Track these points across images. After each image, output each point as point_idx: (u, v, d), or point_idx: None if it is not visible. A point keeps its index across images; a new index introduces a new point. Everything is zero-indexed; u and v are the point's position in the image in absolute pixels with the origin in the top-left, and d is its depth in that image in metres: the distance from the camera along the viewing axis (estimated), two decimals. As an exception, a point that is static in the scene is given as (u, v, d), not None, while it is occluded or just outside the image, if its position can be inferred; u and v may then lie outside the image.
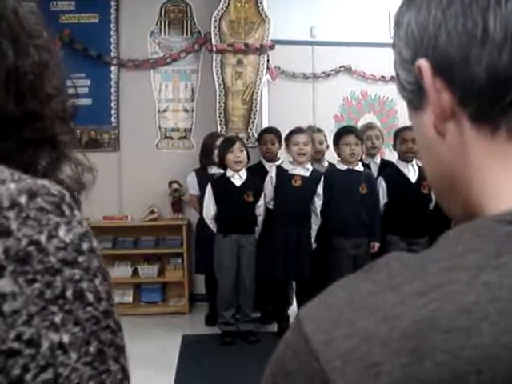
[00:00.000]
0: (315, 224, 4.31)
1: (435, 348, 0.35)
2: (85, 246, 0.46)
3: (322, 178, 4.30)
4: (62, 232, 0.44)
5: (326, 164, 4.76)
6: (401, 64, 0.51)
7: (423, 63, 0.47)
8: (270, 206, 4.40)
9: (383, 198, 4.37)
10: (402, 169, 4.36)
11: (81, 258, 0.45)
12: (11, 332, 0.40)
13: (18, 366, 0.40)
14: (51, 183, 0.47)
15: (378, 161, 4.81)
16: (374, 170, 4.69)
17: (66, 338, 0.42)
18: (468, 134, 0.46)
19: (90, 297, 0.45)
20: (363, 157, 4.95)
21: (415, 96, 0.49)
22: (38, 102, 0.57)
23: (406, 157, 4.34)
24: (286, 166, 4.42)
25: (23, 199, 0.43)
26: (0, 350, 0.39)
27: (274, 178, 4.35)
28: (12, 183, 0.44)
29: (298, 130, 4.34)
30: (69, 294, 0.43)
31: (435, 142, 0.48)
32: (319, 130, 4.80)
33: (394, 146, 4.53)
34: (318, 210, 4.31)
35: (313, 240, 4.31)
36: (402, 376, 0.35)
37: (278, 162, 4.63)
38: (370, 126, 4.95)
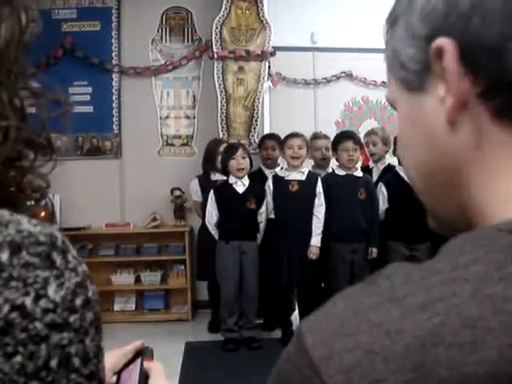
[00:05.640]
0: (317, 228, 4.24)
1: (439, 364, 0.34)
2: (78, 301, 0.41)
3: (321, 183, 4.28)
4: (51, 289, 0.39)
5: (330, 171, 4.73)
6: (409, 40, 0.46)
7: (447, 44, 0.42)
8: (272, 216, 4.36)
9: (383, 204, 4.35)
10: (402, 174, 4.35)
11: (72, 318, 0.40)
12: None
13: None
14: (39, 225, 0.41)
15: (383, 166, 4.74)
16: (376, 176, 4.67)
17: None
18: (486, 128, 0.43)
19: (77, 361, 0.40)
20: (370, 162, 4.94)
21: (418, 76, 0.46)
22: None
23: (404, 162, 4.32)
24: (281, 173, 4.42)
25: (5, 256, 0.38)
26: None
27: (272, 186, 4.35)
28: None
29: (293, 134, 4.34)
30: (53, 363, 0.39)
31: (441, 130, 0.45)
32: (326, 137, 4.77)
33: (394, 152, 4.52)
34: (320, 213, 4.24)
35: (315, 244, 4.22)
36: None
37: (277, 169, 4.63)
38: (367, 133, 4.91)
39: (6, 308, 0.36)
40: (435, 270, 0.39)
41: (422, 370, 0.34)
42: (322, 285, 4.36)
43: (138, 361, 0.83)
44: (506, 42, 0.40)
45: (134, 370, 0.82)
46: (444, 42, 0.42)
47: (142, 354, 0.85)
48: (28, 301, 0.38)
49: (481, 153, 0.43)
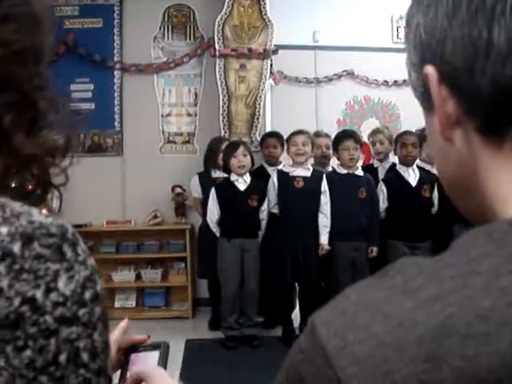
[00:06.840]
0: (324, 225, 4.24)
1: (452, 354, 0.34)
2: (87, 294, 0.41)
3: (325, 181, 4.28)
4: (61, 282, 0.39)
5: (331, 169, 4.73)
6: (410, 66, 0.50)
7: (430, 70, 0.46)
8: (275, 211, 4.38)
9: (384, 203, 4.36)
10: (402, 173, 4.36)
11: (81, 312, 0.40)
12: None
13: None
14: (50, 217, 0.42)
15: (388, 165, 4.75)
16: (382, 174, 4.67)
17: None
18: (475, 144, 0.45)
19: (85, 356, 0.40)
20: (374, 161, 4.94)
21: (424, 98, 0.49)
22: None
23: (406, 161, 4.34)
24: (286, 169, 4.42)
25: (17, 247, 0.37)
26: None
27: (276, 182, 4.35)
28: (3, 226, 0.38)
29: (297, 132, 4.35)
30: (62, 358, 0.38)
31: (445, 145, 0.48)
32: (326, 135, 4.78)
33: (395, 151, 4.53)
34: (327, 210, 4.24)
35: (325, 242, 4.22)
36: (418, 383, 0.35)
37: (280, 166, 4.63)
38: (374, 132, 4.94)
39: (17, 301, 0.36)
40: (448, 264, 0.39)
41: (435, 360, 0.35)
42: (322, 283, 4.36)
43: (156, 354, 0.83)
44: (474, 64, 0.43)
45: (149, 361, 0.82)
46: (428, 69, 0.46)
47: (159, 347, 0.85)
48: (39, 294, 0.37)
49: (475, 164, 0.46)
